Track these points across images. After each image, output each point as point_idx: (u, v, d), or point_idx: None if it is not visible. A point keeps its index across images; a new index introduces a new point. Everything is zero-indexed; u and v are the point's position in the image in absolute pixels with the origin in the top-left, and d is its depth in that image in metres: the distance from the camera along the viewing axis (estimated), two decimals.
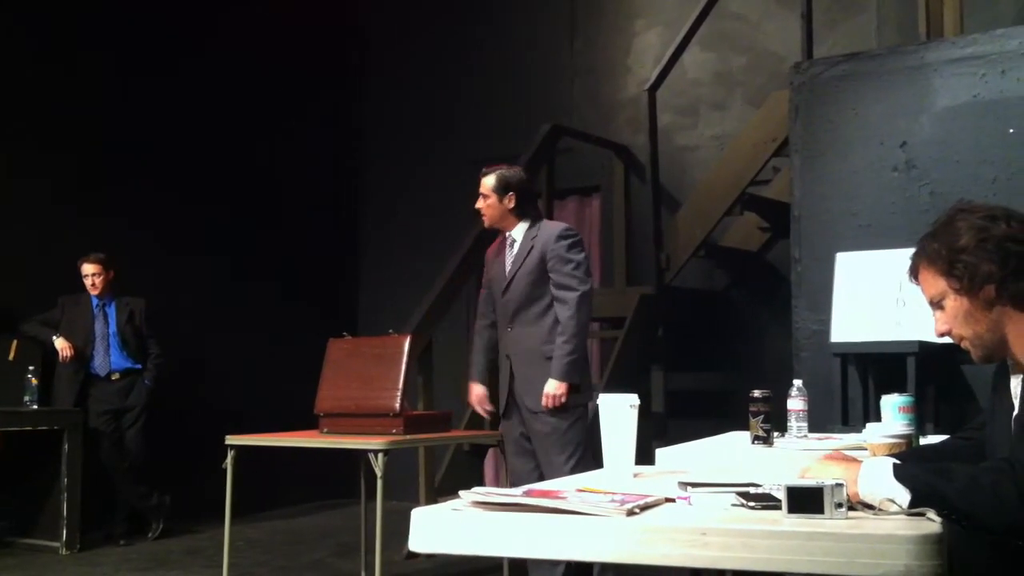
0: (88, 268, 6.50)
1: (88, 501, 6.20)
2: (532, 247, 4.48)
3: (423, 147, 8.69)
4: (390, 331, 4.85)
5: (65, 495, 6.08)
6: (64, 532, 6.07)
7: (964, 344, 2.02)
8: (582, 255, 4.47)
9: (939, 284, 1.99)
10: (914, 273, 2.06)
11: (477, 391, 4.70)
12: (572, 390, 4.36)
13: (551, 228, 4.55)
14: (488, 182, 4.56)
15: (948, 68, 4.62)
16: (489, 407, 4.70)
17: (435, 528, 1.71)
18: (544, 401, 4.33)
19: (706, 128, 7.46)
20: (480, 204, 4.58)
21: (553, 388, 4.32)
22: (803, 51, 5.34)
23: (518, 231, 4.55)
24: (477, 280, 6.50)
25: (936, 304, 2.02)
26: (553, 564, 4.33)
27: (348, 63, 9.09)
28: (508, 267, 4.55)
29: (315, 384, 4.73)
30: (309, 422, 4.81)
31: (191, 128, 7.74)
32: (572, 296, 4.38)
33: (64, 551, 6.05)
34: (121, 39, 7.40)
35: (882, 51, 5.02)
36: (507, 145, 7.34)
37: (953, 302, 1.98)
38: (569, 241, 4.46)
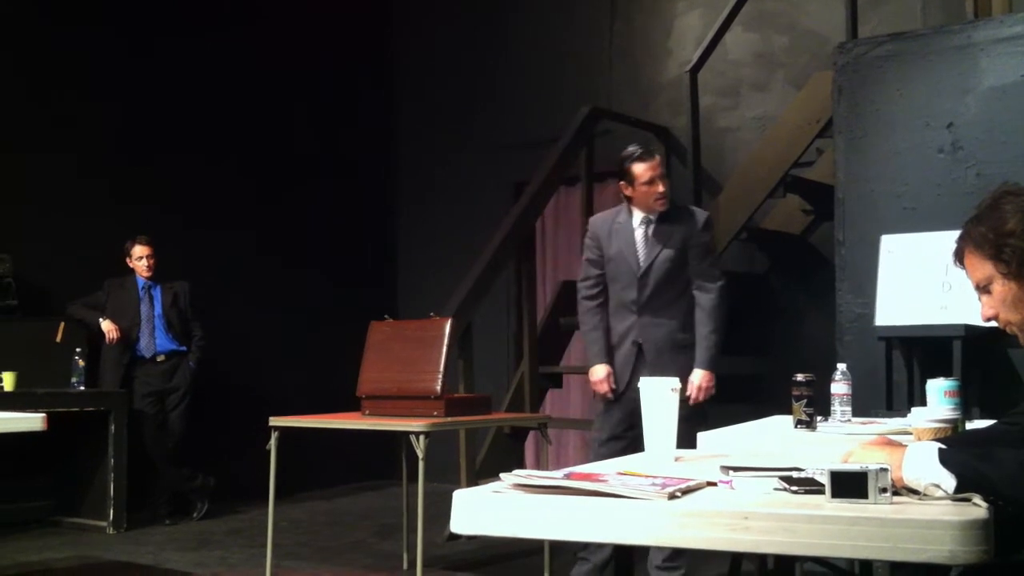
0: (143, 250, 6.58)
1: (134, 481, 6.31)
2: (674, 232, 4.39)
3: (462, 129, 8.68)
4: (431, 314, 4.86)
5: (112, 475, 6.20)
6: (111, 511, 6.18)
7: (1011, 329, 1.99)
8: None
9: (986, 268, 1.97)
10: (959, 257, 2.03)
11: (603, 370, 4.50)
12: None
13: (695, 215, 4.49)
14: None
15: (995, 47, 4.53)
16: (613, 386, 4.51)
17: (477, 510, 1.72)
18: (694, 393, 4.30)
19: (747, 109, 7.39)
20: (665, 186, 4.38)
21: (702, 379, 4.33)
22: (847, 31, 5.27)
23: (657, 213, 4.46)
24: (517, 262, 6.50)
25: (982, 288, 2.00)
26: (597, 548, 4.32)
27: (386, 42, 9.09)
28: (645, 248, 4.42)
29: (355, 366, 4.76)
30: (350, 404, 4.84)
31: (228, 107, 7.79)
32: (716, 286, 4.41)
33: (111, 530, 6.16)
34: (163, 24, 7.47)
35: (928, 31, 4.93)
36: (546, 127, 7.32)
37: (1001, 287, 1.95)
38: (712, 232, 4.48)
